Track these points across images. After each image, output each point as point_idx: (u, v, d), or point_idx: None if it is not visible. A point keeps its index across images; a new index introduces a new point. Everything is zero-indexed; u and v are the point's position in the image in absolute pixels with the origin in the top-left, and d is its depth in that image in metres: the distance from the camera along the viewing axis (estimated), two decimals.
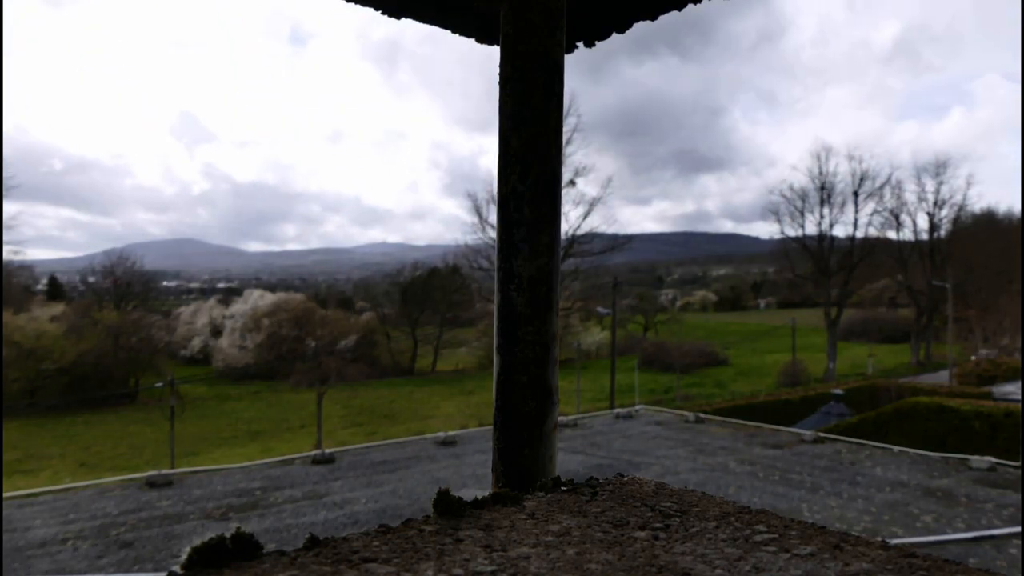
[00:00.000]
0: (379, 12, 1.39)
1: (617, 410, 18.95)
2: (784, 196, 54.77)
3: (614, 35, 1.52)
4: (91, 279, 64.03)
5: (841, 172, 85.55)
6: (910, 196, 56.34)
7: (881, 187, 53.94)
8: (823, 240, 53.29)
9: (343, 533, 0.85)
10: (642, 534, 0.89)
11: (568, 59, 1.36)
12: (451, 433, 15.11)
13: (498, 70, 1.28)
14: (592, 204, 43.74)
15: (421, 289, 60.67)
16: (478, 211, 43.96)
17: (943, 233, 57.18)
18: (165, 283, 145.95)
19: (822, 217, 53.15)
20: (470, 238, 47.11)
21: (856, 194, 53.11)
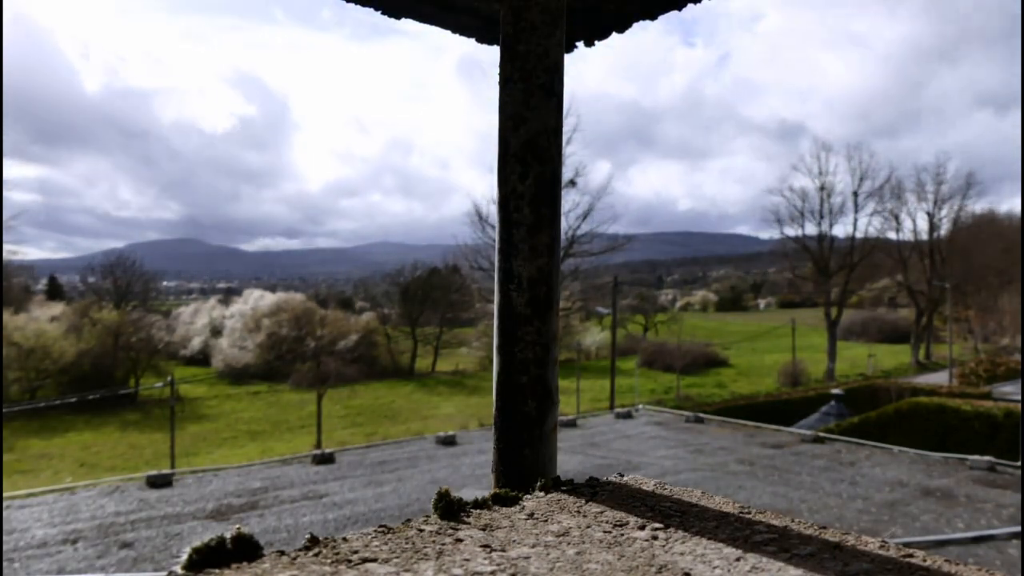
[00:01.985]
0: (379, 12, 1.39)
1: (617, 410, 18.97)
2: (784, 196, 54.82)
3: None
4: (91, 279, 63.99)
5: (841, 172, 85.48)
6: (910, 196, 56.24)
7: (881, 187, 53.99)
8: (823, 240, 53.29)
9: (343, 533, 0.85)
10: (642, 534, 0.89)
11: (568, 59, 1.36)
12: (451, 433, 15.12)
13: (498, 70, 1.28)
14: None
15: (421, 289, 60.61)
16: (478, 211, 43.90)
17: (943, 233, 57.22)
18: (165, 283, 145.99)
19: (822, 217, 53.19)
20: (470, 238, 46.99)
21: (856, 194, 53.14)
